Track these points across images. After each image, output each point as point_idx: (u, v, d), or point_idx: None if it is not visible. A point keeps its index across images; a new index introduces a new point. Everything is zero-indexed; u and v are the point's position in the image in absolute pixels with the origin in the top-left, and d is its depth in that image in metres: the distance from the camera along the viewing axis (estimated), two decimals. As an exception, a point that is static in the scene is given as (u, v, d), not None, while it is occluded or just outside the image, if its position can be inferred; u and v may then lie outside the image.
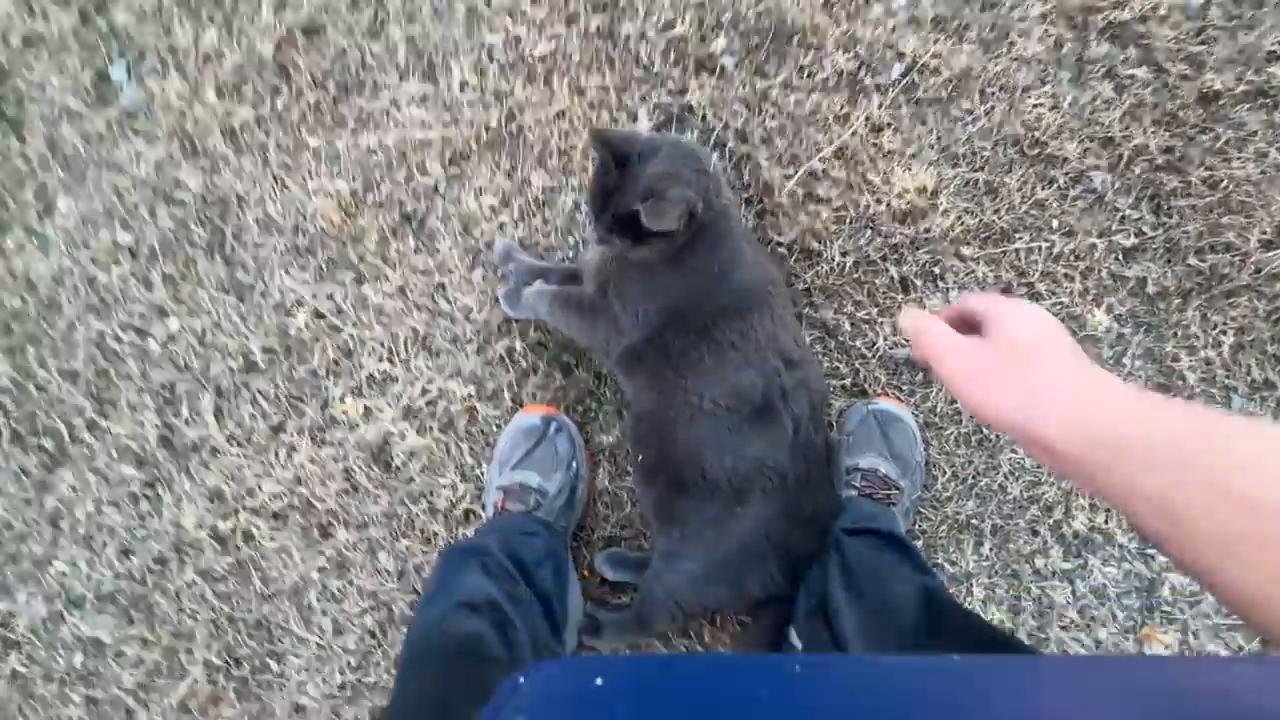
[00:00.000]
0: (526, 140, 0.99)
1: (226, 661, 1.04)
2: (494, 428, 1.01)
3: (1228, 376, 0.96)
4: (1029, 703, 0.27)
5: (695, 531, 0.86)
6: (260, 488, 1.03)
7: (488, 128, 0.99)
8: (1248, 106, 0.93)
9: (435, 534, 1.02)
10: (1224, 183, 0.93)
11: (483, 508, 1.01)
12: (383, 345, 1.01)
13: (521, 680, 0.32)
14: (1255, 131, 0.92)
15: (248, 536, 1.03)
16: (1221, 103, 0.93)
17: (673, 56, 0.98)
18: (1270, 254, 0.93)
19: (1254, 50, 0.92)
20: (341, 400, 1.02)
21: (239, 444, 1.03)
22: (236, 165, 1.00)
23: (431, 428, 1.01)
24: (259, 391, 1.02)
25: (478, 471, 1.01)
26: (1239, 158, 0.93)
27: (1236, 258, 0.93)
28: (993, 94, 0.96)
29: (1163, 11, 0.93)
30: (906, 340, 0.99)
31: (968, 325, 0.45)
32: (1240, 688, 0.26)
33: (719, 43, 0.97)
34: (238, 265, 1.01)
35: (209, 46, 0.98)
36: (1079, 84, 0.95)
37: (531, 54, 0.98)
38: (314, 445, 1.02)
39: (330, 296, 1.01)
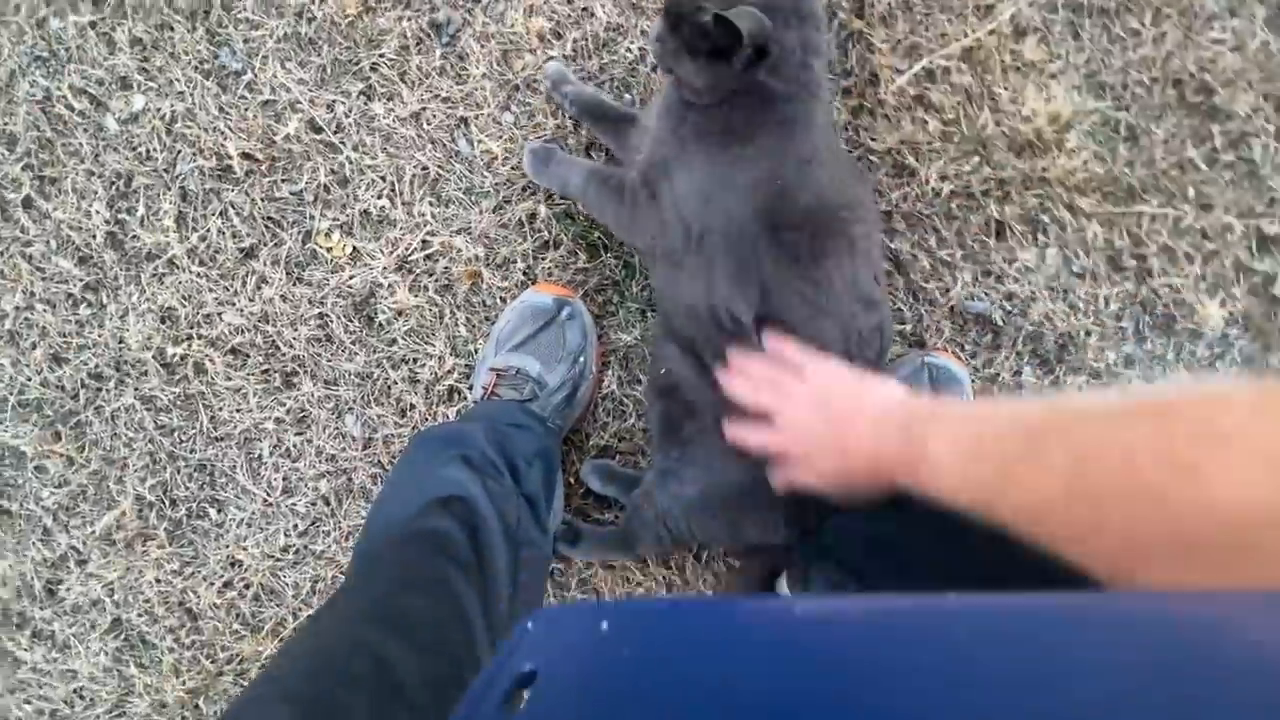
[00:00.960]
0: (599, -43, 0.80)
1: (161, 499, 0.94)
2: (499, 300, 0.87)
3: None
4: (1038, 648, 0.25)
5: (700, 457, 0.75)
6: (220, 316, 0.89)
7: (554, -69, 0.80)
8: None
9: (412, 406, 0.90)
10: (1403, 182, 0.79)
11: (469, 389, 0.89)
12: (384, 179, 0.86)
13: (530, 626, 0.32)
14: None
15: (200, 369, 0.91)
16: None
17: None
18: None
19: None
20: (327, 234, 0.87)
21: (201, 262, 0.88)
22: (236, -86, 0.80)
23: (427, 287, 0.87)
24: (232, 205, 0.86)
25: (471, 347, 0.89)
26: None
27: (1388, 272, 0.81)
28: (1169, 16, 0.79)
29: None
30: (985, 294, 0.86)
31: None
32: (1239, 623, 0.24)
33: (857, -119, 0.78)
34: (224, 43, 0.83)
35: None
36: (1278, 26, 0.78)
37: None
38: (289, 280, 0.88)
39: (330, 107, 0.84)
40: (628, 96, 0.84)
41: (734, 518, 0.76)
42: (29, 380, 0.91)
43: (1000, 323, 0.86)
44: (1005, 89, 0.81)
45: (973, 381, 0.86)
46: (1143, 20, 0.79)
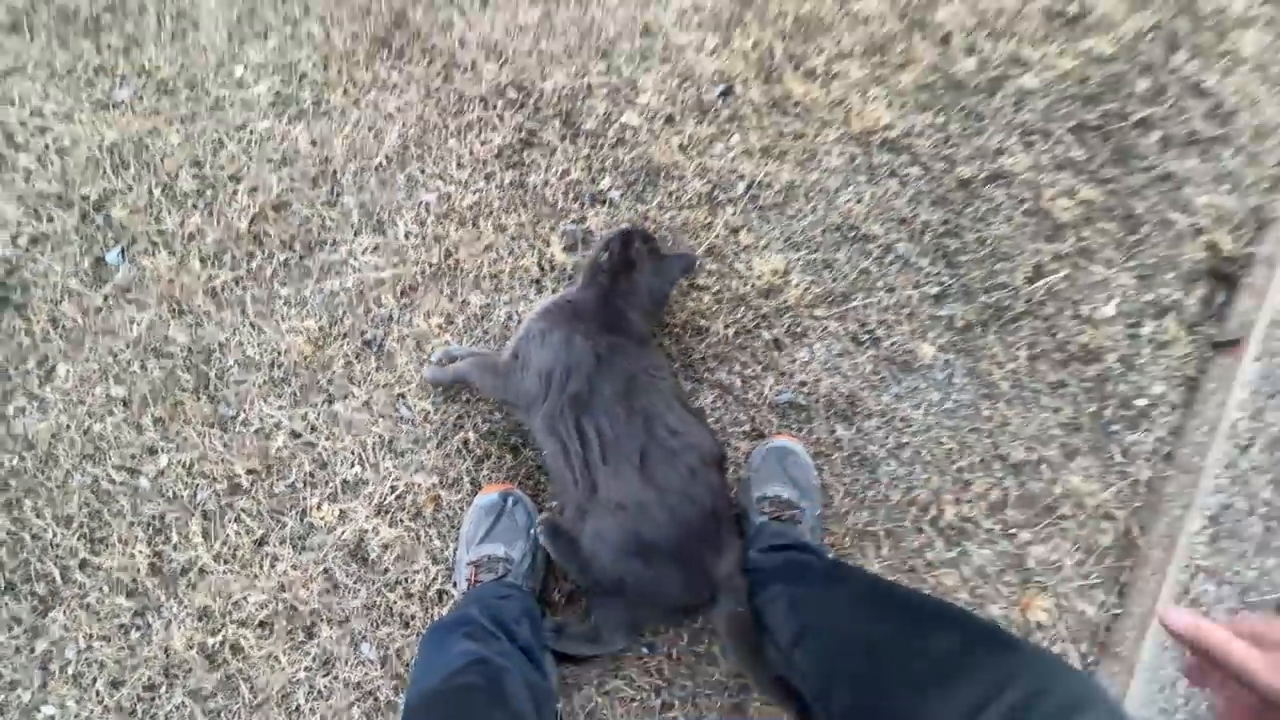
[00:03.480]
0: (463, 270, 1.23)
1: (217, 780, 1.08)
2: (457, 511, 1.16)
3: (1031, 381, 1.23)
4: None
5: (588, 537, 0.97)
6: (247, 599, 1.12)
7: (430, 264, 1.22)
8: (993, 185, 1.28)
9: (413, 617, 1.13)
10: (989, 240, 1.26)
11: (454, 585, 1.14)
12: (353, 453, 1.17)
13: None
14: (1001, 203, 1.27)
15: (236, 649, 1.11)
16: (973, 185, 1.28)
17: (572, 195, 1.26)
18: (1034, 285, 1.24)
19: (985, 148, 1.28)
20: (318, 507, 1.16)
21: (225, 561, 1.13)
22: (218, 318, 1.19)
23: (401, 519, 1.16)
24: (243, 510, 1.15)
25: (446, 554, 1.15)
26: (995, 221, 1.26)
27: (1011, 292, 1.24)
28: (814, 196, 1.28)
29: (918, 129, 1.29)
30: (786, 388, 1.23)
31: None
32: None
33: (606, 181, 1.27)
34: (221, 401, 1.17)
35: (193, 227, 1.20)
36: (873, 182, 1.28)
37: (460, 205, 1.25)
38: (295, 552, 1.14)
39: (304, 417, 1.18)
40: (509, 343, 1.23)
41: (644, 565, 0.96)
42: (91, 713, 1.09)
43: (804, 403, 1.22)
44: (741, 264, 1.25)
45: (807, 447, 1.20)
46: (799, 203, 1.28)
